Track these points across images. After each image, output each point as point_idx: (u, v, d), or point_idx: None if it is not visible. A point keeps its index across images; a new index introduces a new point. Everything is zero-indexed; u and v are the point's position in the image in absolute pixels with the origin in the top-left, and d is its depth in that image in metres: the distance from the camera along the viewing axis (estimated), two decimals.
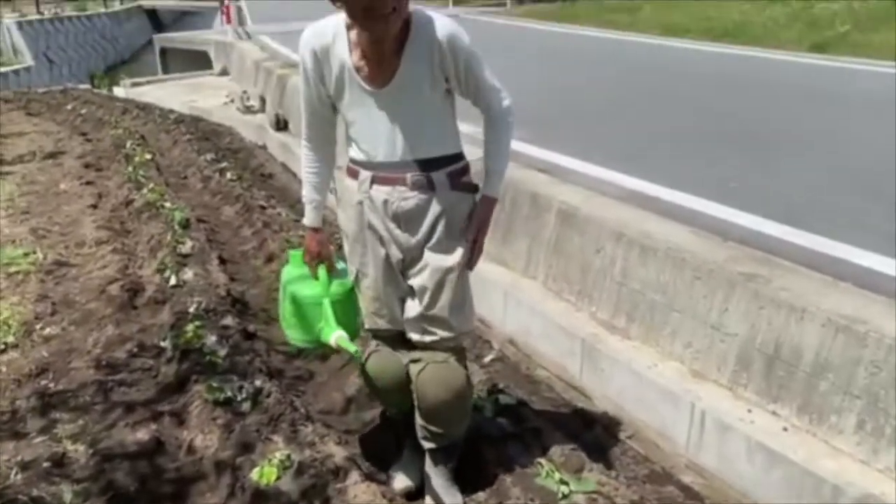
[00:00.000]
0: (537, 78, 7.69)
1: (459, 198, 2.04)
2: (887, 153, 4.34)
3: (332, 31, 1.91)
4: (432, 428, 2.17)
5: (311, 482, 2.15)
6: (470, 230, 2.07)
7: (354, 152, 2.04)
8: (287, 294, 2.20)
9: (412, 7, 1.85)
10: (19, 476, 2.22)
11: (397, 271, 2.08)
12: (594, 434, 2.88)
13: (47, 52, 19.49)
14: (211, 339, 3.04)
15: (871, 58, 8.05)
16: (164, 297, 3.59)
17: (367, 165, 2.01)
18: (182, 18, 28.45)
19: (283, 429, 2.44)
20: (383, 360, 2.19)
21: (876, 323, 2.34)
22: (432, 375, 2.10)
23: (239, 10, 15.36)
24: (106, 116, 9.02)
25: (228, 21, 13.95)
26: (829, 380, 2.41)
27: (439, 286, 2.04)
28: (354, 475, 2.18)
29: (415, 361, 2.13)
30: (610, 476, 2.39)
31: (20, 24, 19.07)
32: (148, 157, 6.58)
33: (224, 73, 12.73)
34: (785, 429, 2.50)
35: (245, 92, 9.56)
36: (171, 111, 9.81)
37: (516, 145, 4.56)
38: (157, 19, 29.06)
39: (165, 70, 15.42)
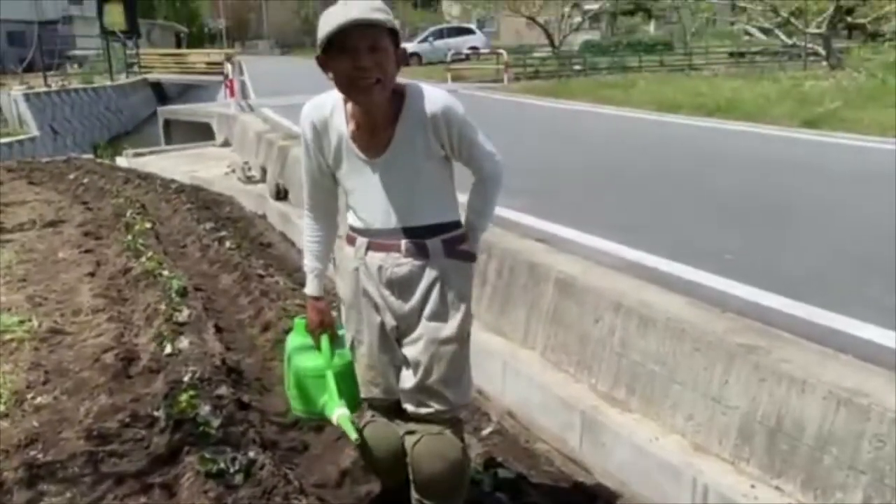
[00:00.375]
0: (536, 151, 7.82)
1: (455, 265, 2.04)
2: (883, 227, 4.38)
3: (331, 104, 1.99)
4: (428, 502, 2.12)
5: None
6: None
7: (353, 220, 2.07)
8: (290, 366, 2.19)
9: (406, 81, 1.93)
10: None
11: (392, 339, 2.07)
12: None
13: (52, 122, 19.81)
14: (205, 409, 3.00)
15: (861, 134, 8.22)
16: (159, 366, 3.55)
17: (363, 232, 2.04)
18: (186, 91, 29.07)
19: (277, 502, 2.38)
20: (379, 431, 2.16)
21: (878, 396, 2.31)
22: (428, 448, 2.06)
23: (242, 84, 15.74)
24: (107, 186, 9.12)
25: (232, 94, 14.27)
26: (832, 454, 2.36)
27: (435, 358, 2.02)
28: None
29: (410, 433, 2.09)
30: None
31: (27, 97, 19.44)
32: (148, 225, 6.62)
33: (226, 144, 12.93)
34: None
35: (246, 162, 9.68)
36: (173, 181, 9.91)
37: (514, 215, 4.67)
38: (161, 92, 29.68)
39: (168, 141, 15.66)
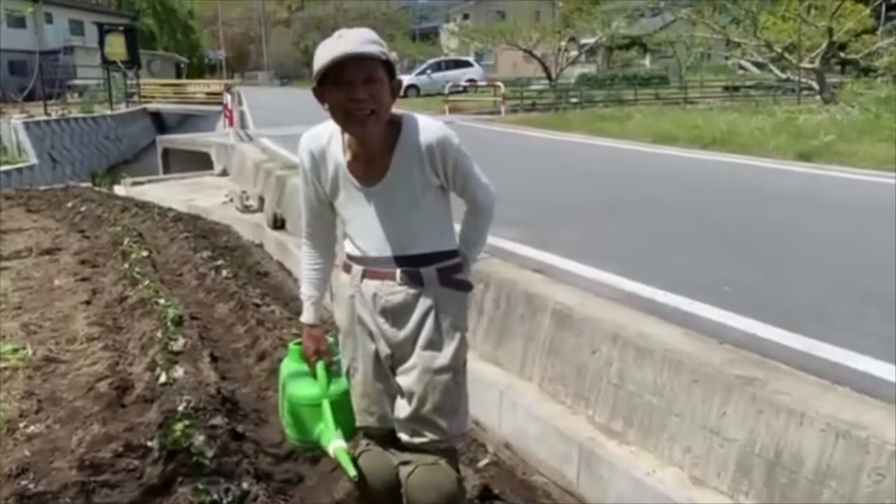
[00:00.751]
0: (533, 182, 7.85)
1: (450, 294, 2.05)
2: (879, 257, 4.40)
3: (328, 134, 2.02)
4: None
5: None
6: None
7: (349, 248, 2.09)
8: (285, 393, 2.17)
9: (403, 111, 1.97)
10: None
11: (387, 368, 2.07)
12: None
13: (51, 151, 19.88)
14: (199, 439, 2.97)
15: (856, 167, 8.28)
16: (153, 395, 3.53)
17: (359, 260, 2.05)
18: (185, 121, 29.27)
19: None
20: (373, 461, 2.14)
21: (877, 429, 2.30)
22: (422, 478, 2.04)
23: (241, 114, 15.85)
24: (105, 214, 9.12)
25: (231, 124, 14.35)
26: (831, 488, 2.34)
27: (429, 387, 2.02)
28: None
29: (405, 463, 2.08)
30: None
31: (27, 125, 19.53)
32: (144, 254, 6.61)
33: (224, 173, 12.98)
34: None
35: (244, 191, 9.72)
36: (170, 209, 9.94)
37: (511, 246, 4.67)
38: (161, 121, 29.86)
39: (167, 170, 15.72)
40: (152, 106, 30.08)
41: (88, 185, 14.14)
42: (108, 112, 25.52)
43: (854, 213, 6.01)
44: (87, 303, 5.22)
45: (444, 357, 2.03)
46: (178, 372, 3.76)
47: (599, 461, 3.05)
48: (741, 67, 32.76)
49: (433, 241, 2.05)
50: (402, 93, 2.09)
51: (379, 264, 2.02)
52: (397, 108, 2.00)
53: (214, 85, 31.25)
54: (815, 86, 19.18)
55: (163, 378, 3.70)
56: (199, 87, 32.55)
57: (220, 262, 6.70)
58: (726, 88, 28.61)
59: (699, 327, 3.28)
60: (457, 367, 2.06)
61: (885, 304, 3.57)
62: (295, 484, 3.02)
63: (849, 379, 2.70)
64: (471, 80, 26.76)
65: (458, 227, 2.16)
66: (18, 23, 34.01)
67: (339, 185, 2.03)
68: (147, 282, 5.48)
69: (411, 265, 2.01)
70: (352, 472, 2.02)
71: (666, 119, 14.83)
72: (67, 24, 40.36)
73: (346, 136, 1.98)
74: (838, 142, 9.83)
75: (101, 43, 28.48)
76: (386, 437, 2.14)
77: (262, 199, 9.16)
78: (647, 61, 40.68)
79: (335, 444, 2.06)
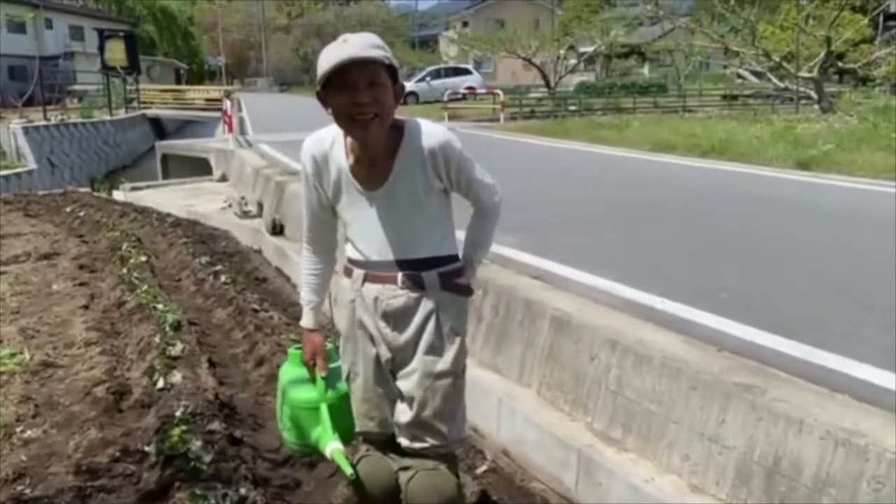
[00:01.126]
0: (532, 188, 7.86)
1: (450, 299, 2.06)
2: (878, 266, 4.40)
3: (331, 138, 2.03)
4: None
5: None
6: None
7: (351, 252, 2.09)
8: (284, 397, 2.16)
9: (405, 117, 1.99)
10: None
11: (387, 372, 2.07)
12: None
13: (50, 156, 19.89)
14: (196, 444, 2.95)
15: (854, 176, 8.30)
16: (151, 401, 3.51)
17: (361, 264, 2.06)
18: (185, 127, 29.28)
19: None
20: (373, 466, 2.13)
21: (876, 437, 2.30)
22: (423, 483, 2.04)
23: (241, 120, 15.88)
24: (104, 219, 9.11)
25: (230, 130, 14.37)
26: (831, 495, 2.34)
27: (429, 392, 2.02)
28: None
29: (404, 469, 2.08)
30: None
31: (26, 130, 19.56)
32: (143, 259, 6.60)
33: (223, 179, 12.98)
34: None
35: (243, 197, 9.71)
36: (169, 215, 9.93)
37: (510, 252, 4.67)
38: (160, 127, 29.88)
39: (166, 175, 15.72)
40: (152, 111, 30.14)
41: (87, 190, 14.15)
42: (108, 117, 25.56)
43: (852, 221, 6.02)
44: (85, 307, 5.21)
45: (444, 362, 2.03)
46: (176, 377, 3.75)
47: (598, 468, 3.05)
48: (739, 76, 32.88)
49: (435, 246, 2.05)
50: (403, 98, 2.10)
51: (380, 268, 2.03)
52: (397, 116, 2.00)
53: (214, 91, 31.39)
54: (814, 95, 19.25)
55: (160, 383, 3.69)
56: (198, 93, 32.70)
57: (218, 267, 6.69)
58: (725, 97, 28.70)
59: (697, 334, 3.28)
60: (457, 372, 2.07)
61: (883, 313, 3.57)
62: (292, 489, 3.01)
63: (847, 387, 2.70)
64: (470, 88, 26.85)
65: (461, 235, 2.17)
66: (19, 28, 34.11)
67: (341, 188, 2.03)
68: (145, 287, 5.47)
69: (413, 269, 2.02)
70: (348, 470, 2.01)
71: (664, 127, 14.87)
72: (67, 30, 40.44)
73: (349, 139, 1.99)
74: (836, 151, 9.86)
75: (101, 48, 28.52)
76: (386, 443, 2.13)
77: (260, 205, 9.16)
78: (645, 70, 40.86)
79: (332, 446, 2.05)
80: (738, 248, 5.14)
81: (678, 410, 2.89)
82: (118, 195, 13.05)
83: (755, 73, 27.91)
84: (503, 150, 12.64)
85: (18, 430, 3.25)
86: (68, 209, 9.92)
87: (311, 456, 2.68)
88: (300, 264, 2.24)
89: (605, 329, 3.37)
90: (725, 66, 31.60)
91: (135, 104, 29.64)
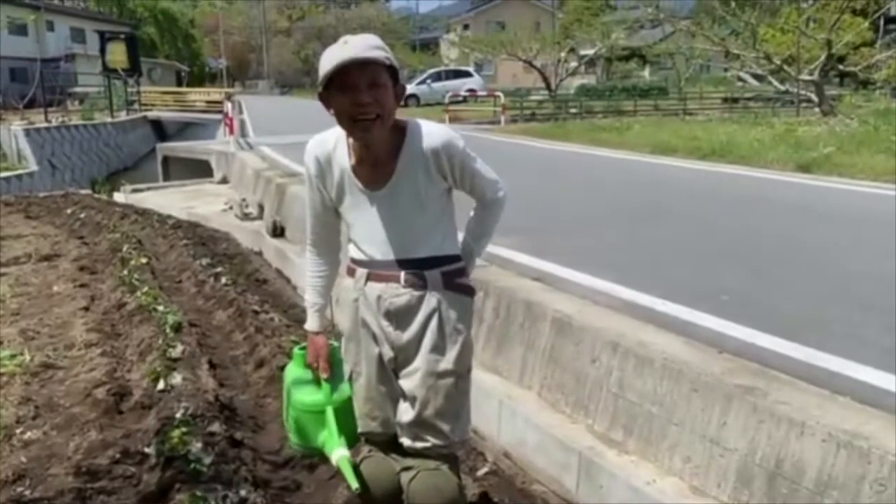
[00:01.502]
0: (532, 190, 7.86)
1: (453, 298, 2.06)
2: (878, 268, 4.40)
3: (334, 140, 2.04)
4: None
5: None
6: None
7: (354, 252, 2.10)
8: (290, 400, 2.16)
9: (407, 118, 2.00)
10: None
11: (390, 371, 2.08)
12: None
13: (51, 158, 19.89)
14: (196, 446, 2.95)
15: (855, 178, 8.30)
16: (151, 402, 3.51)
17: (363, 263, 2.07)
18: (186, 129, 29.27)
19: None
20: (375, 467, 2.13)
21: (879, 439, 2.29)
22: (424, 484, 2.04)
23: (242, 122, 15.89)
24: (104, 221, 9.12)
25: (231, 132, 14.38)
26: (833, 498, 2.33)
27: (432, 391, 2.02)
28: None
29: (406, 469, 2.07)
30: None
31: (27, 132, 19.56)
32: (143, 260, 6.60)
33: (224, 181, 12.99)
34: None
35: (244, 199, 9.71)
36: (170, 217, 9.93)
37: (510, 254, 4.67)
38: (161, 129, 29.88)
39: (167, 177, 15.71)
40: (153, 114, 30.13)
41: (88, 192, 14.16)
42: (109, 119, 25.56)
43: (852, 223, 6.02)
44: (86, 309, 5.21)
45: (447, 360, 2.04)
46: (177, 379, 3.75)
47: (599, 470, 3.04)
48: (740, 79, 32.90)
49: (437, 246, 2.06)
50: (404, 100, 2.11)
51: (383, 267, 2.04)
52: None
53: (215, 93, 31.36)
54: (814, 98, 19.25)
55: (161, 385, 3.69)
56: (199, 96, 32.66)
57: (219, 269, 6.69)
58: (725, 100, 28.73)
59: (699, 336, 3.27)
60: (460, 371, 2.07)
61: (883, 314, 3.56)
62: (293, 491, 3.01)
63: (849, 389, 2.69)
64: (470, 90, 26.87)
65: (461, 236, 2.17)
66: (20, 30, 34.07)
67: (344, 189, 2.05)
68: (146, 288, 5.47)
69: (416, 268, 2.03)
70: (354, 484, 2.01)
71: (665, 130, 14.87)
72: (69, 32, 40.46)
73: (352, 140, 2.00)
74: (837, 153, 9.86)
75: (103, 51, 28.51)
76: (388, 443, 2.13)
77: (261, 207, 9.16)
78: (646, 73, 40.87)
79: (339, 453, 2.05)
80: (738, 249, 5.13)
81: (679, 412, 2.88)
82: (119, 197, 13.05)
83: (756, 76, 27.93)
84: (504, 152, 12.64)
85: (18, 431, 3.25)
86: (69, 211, 9.93)
87: (315, 457, 2.68)
88: (302, 266, 2.25)
89: (607, 331, 3.36)
90: (726, 69, 31.61)
91: (136, 106, 29.62)
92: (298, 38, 65.17)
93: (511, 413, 3.62)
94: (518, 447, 3.54)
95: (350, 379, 2.15)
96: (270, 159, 11.53)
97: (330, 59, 1.84)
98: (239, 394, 3.95)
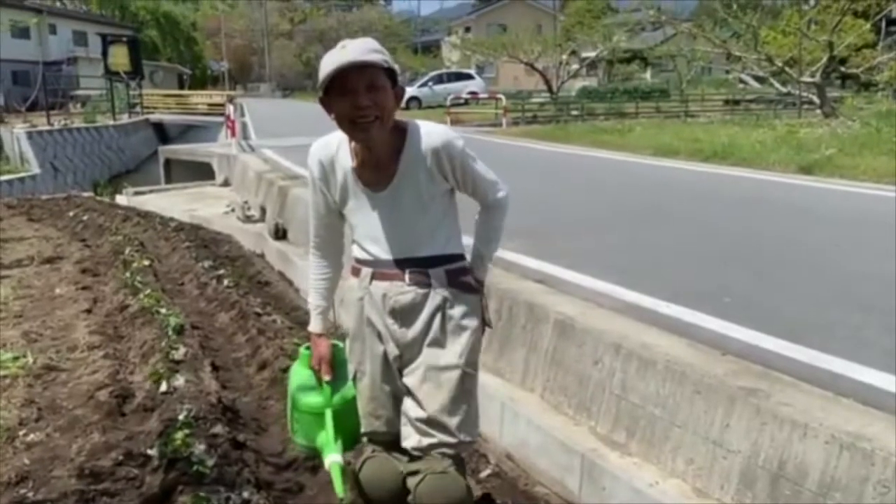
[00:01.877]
0: (534, 192, 7.86)
1: (457, 295, 2.08)
2: (880, 269, 4.39)
3: (336, 143, 2.07)
4: None
5: None
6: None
7: (358, 252, 2.12)
8: (291, 400, 2.18)
9: (408, 119, 2.02)
10: None
11: (394, 370, 2.09)
12: None
13: (54, 160, 19.92)
14: (199, 448, 2.96)
15: (857, 180, 8.29)
16: (154, 404, 3.52)
17: (368, 263, 2.09)
18: (188, 132, 29.31)
19: None
20: (379, 468, 2.13)
21: (882, 441, 2.29)
22: (432, 487, 2.03)
23: (243, 125, 15.90)
24: (106, 223, 9.13)
25: (233, 135, 14.40)
26: (836, 499, 2.33)
27: (436, 385, 2.03)
28: None
29: (412, 473, 2.07)
30: None
31: (30, 135, 19.59)
32: (146, 263, 6.61)
33: (226, 183, 13.00)
34: None
35: (246, 202, 9.72)
36: (172, 219, 9.94)
37: (513, 256, 4.67)
38: (163, 132, 29.92)
39: (169, 180, 15.74)
40: (155, 116, 30.19)
41: (90, 194, 14.17)
42: (111, 122, 25.60)
43: (854, 225, 6.01)
44: (88, 311, 5.22)
45: (450, 355, 2.05)
46: (179, 381, 3.75)
47: (601, 472, 3.04)
48: (742, 81, 32.89)
49: (440, 245, 2.08)
50: (403, 103, 2.13)
51: (388, 266, 2.06)
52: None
53: (217, 96, 31.44)
54: (816, 100, 19.24)
55: (163, 387, 3.69)
56: (201, 98, 32.70)
57: (221, 271, 6.70)
58: (727, 102, 28.70)
59: (701, 338, 3.27)
60: (464, 367, 2.07)
61: (884, 315, 3.56)
62: (295, 493, 3.01)
63: (852, 391, 2.69)
64: (472, 93, 26.84)
65: (467, 240, 2.18)
66: (22, 33, 34.17)
67: (347, 191, 2.07)
68: (148, 291, 5.48)
69: (420, 266, 2.05)
70: (339, 492, 2.03)
71: (667, 132, 14.87)
72: (71, 35, 40.54)
73: (354, 143, 2.02)
74: (839, 155, 9.85)
75: (105, 54, 28.56)
76: (392, 443, 2.14)
77: (263, 210, 9.17)
78: (647, 75, 40.89)
79: (331, 458, 2.07)
80: (740, 251, 5.13)
81: (682, 414, 2.88)
82: (121, 199, 13.07)
83: (757, 78, 27.91)
84: (506, 154, 12.64)
85: (21, 433, 3.26)
86: (71, 213, 9.94)
87: (318, 458, 2.68)
88: (304, 269, 2.26)
89: (609, 333, 3.36)
90: (728, 71, 31.66)
91: (138, 109, 29.67)
92: (300, 41, 65.28)
93: (513, 415, 3.62)
94: (520, 449, 3.54)
95: (354, 378, 2.17)
96: (272, 162, 11.55)
97: (328, 64, 1.87)
98: (241, 396, 3.96)
